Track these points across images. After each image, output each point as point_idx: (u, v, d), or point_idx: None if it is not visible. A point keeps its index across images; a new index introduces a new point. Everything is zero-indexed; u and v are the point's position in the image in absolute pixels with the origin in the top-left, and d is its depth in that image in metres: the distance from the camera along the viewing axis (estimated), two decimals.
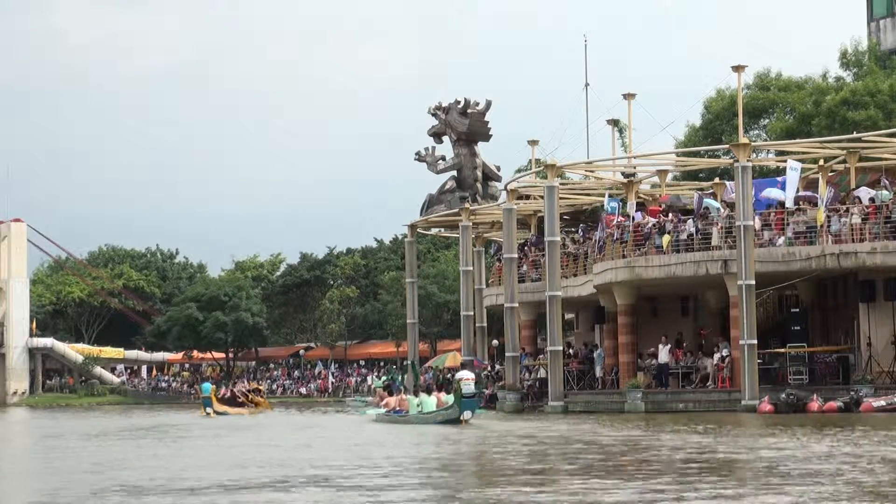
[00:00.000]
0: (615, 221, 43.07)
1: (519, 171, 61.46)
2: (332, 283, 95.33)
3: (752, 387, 37.09)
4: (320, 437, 31.73)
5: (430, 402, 36.16)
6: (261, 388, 59.10)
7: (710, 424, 30.19)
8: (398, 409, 38.27)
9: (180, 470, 20.61)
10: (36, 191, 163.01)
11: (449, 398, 35.22)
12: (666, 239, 40.16)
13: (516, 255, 47.89)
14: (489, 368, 52.95)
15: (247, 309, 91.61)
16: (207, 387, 53.17)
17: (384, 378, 59.65)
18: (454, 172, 54.63)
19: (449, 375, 55.93)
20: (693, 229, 40.05)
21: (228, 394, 53.55)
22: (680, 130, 64.25)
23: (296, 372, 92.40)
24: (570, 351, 48.09)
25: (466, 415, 33.80)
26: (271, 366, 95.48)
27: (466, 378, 34.38)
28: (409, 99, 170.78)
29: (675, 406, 39.46)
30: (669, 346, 41.43)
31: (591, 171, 49.44)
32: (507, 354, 46.96)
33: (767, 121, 61.78)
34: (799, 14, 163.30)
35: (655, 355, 41.51)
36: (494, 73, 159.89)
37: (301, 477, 18.57)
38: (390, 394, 40.89)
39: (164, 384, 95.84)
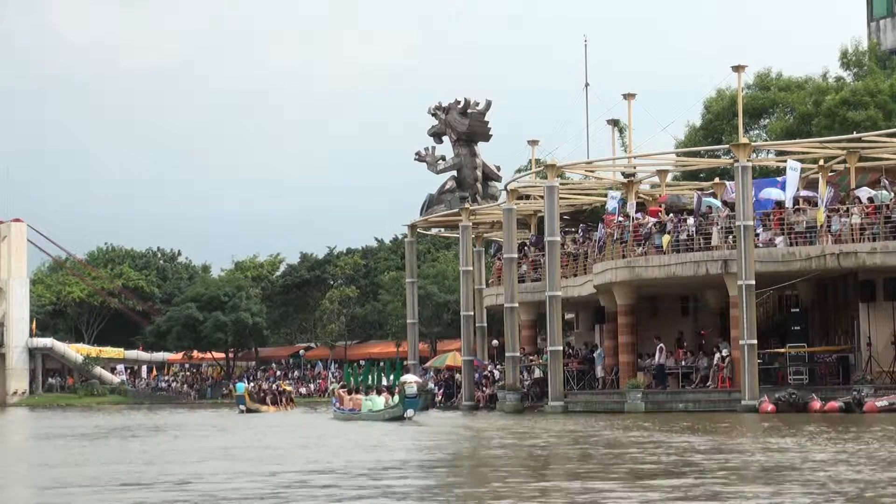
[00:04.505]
0: (615, 221, 43.10)
1: (519, 171, 61.41)
2: (332, 283, 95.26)
3: (752, 387, 37.10)
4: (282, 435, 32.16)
5: (379, 401, 41.20)
6: (289, 388, 63.91)
7: (723, 424, 30.19)
8: (353, 407, 42.54)
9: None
10: (36, 191, 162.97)
11: (395, 399, 39.99)
12: (666, 239, 40.17)
13: (516, 255, 47.89)
14: (488, 369, 52.92)
15: (247, 309, 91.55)
16: (241, 386, 58.15)
17: (376, 379, 62.45)
18: (454, 172, 54.58)
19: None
20: (693, 229, 40.05)
21: (262, 393, 58.72)
22: (680, 130, 64.26)
23: (296, 372, 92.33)
24: (570, 351, 48.09)
25: (409, 412, 38.56)
26: (273, 366, 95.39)
27: (410, 381, 39.48)
28: (408, 99, 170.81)
29: (674, 406, 39.47)
30: (661, 345, 41.43)
31: (591, 171, 49.44)
32: (507, 354, 46.95)
33: (767, 121, 61.74)
34: (799, 14, 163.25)
35: (652, 356, 41.57)
36: (494, 73, 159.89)
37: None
38: (349, 393, 44.87)
39: (164, 384, 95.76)
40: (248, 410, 54.09)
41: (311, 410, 56.43)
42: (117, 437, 33.94)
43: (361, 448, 25.86)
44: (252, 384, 63.09)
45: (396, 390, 41.04)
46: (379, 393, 42.85)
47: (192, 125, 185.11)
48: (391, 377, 48.04)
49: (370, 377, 53.63)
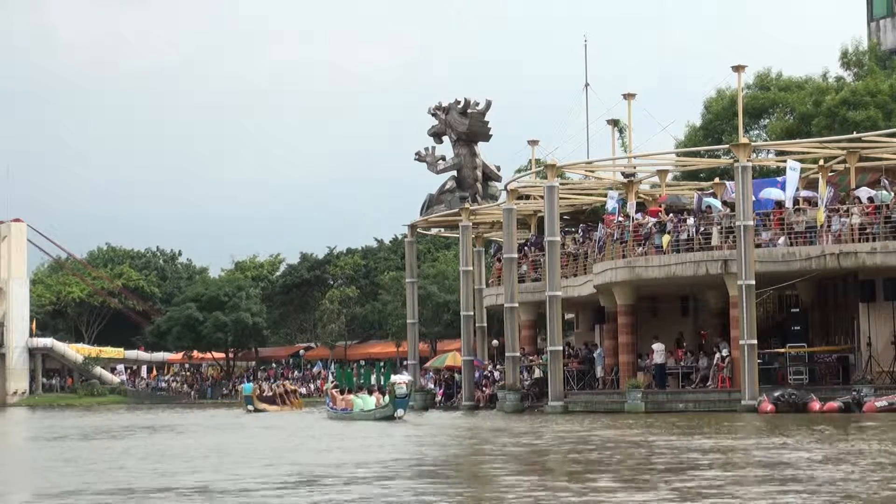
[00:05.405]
0: (615, 221, 43.09)
1: (519, 171, 61.40)
2: (332, 283, 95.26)
3: (752, 387, 37.08)
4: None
5: (371, 401, 42.11)
6: (295, 388, 65.04)
7: (722, 424, 30.19)
8: (345, 407, 43.22)
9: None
10: (36, 191, 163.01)
11: (386, 398, 40.83)
12: (666, 239, 40.15)
13: (516, 255, 47.87)
14: (488, 369, 52.90)
15: (247, 309, 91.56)
16: (249, 387, 60.00)
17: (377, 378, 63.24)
18: (454, 172, 54.56)
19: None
20: (693, 229, 40.04)
21: (269, 392, 60.22)
22: (680, 130, 64.25)
23: (296, 372, 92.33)
24: (570, 351, 48.08)
25: (399, 412, 39.42)
26: (273, 366, 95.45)
27: (399, 382, 40.17)
28: (409, 99, 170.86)
29: (674, 406, 39.45)
30: (657, 345, 41.40)
31: (591, 171, 49.42)
32: (507, 354, 46.94)
33: (767, 121, 61.75)
34: (799, 14, 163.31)
35: (651, 356, 41.60)
36: (494, 73, 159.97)
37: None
38: (341, 393, 46.06)
39: (163, 384, 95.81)
40: (256, 410, 55.41)
41: (314, 410, 56.65)
42: (116, 438, 33.95)
43: (357, 448, 25.90)
44: (252, 384, 63.97)
45: (387, 390, 41.64)
46: (370, 393, 44.03)
47: (192, 125, 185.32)
48: (380, 377, 48.74)
49: (370, 377, 54.13)
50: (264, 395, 59.69)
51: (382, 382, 48.55)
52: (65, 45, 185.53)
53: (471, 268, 52.64)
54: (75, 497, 16.75)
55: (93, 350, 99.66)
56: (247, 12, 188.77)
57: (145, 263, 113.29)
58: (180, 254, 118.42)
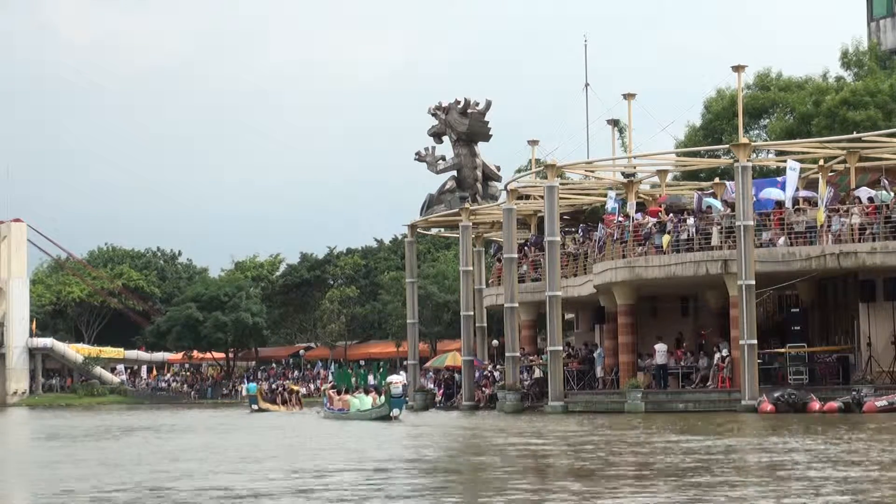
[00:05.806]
0: (615, 221, 43.11)
1: (519, 171, 61.42)
2: (332, 283, 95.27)
3: (752, 387, 37.10)
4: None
5: (367, 401, 42.81)
6: (298, 389, 65.74)
7: (722, 424, 30.18)
8: (342, 407, 43.87)
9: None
10: (36, 191, 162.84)
11: (382, 398, 41.39)
12: (666, 239, 40.17)
13: (516, 255, 47.89)
14: (488, 369, 52.91)
15: (247, 309, 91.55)
16: (253, 387, 60.95)
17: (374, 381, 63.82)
18: (454, 172, 54.57)
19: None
20: (693, 229, 40.06)
21: (270, 394, 61.55)
22: (680, 130, 64.22)
23: (296, 372, 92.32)
24: (570, 351, 48.09)
25: (395, 412, 40.00)
26: (273, 366, 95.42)
27: (395, 382, 41.01)
28: (408, 99, 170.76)
29: (674, 406, 39.47)
30: (659, 345, 41.39)
31: (591, 171, 49.44)
32: (507, 354, 46.96)
33: (767, 121, 61.75)
34: (799, 14, 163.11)
35: (652, 356, 41.60)
36: (494, 73, 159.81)
37: None
38: (338, 393, 46.79)
39: (163, 384, 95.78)
40: (260, 410, 56.31)
41: (313, 410, 56.76)
42: (115, 439, 33.97)
43: (354, 448, 25.91)
44: (256, 384, 64.56)
45: (383, 390, 42.12)
46: (367, 393, 44.93)
47: (192, 125, 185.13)
48: (377, 376, 49.28)
49: (367, 377, 54.69)
50: (266, 395, 60.24)
51: (381, 382, 48.94)
52: (65, 45, 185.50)
53: (471, 268, 52.66)
54: (75, 497, 16.76)
55: (93, 350, 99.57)
56: (247, 12, 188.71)
57: (145, 263, 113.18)
58: (180, 254, 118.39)
